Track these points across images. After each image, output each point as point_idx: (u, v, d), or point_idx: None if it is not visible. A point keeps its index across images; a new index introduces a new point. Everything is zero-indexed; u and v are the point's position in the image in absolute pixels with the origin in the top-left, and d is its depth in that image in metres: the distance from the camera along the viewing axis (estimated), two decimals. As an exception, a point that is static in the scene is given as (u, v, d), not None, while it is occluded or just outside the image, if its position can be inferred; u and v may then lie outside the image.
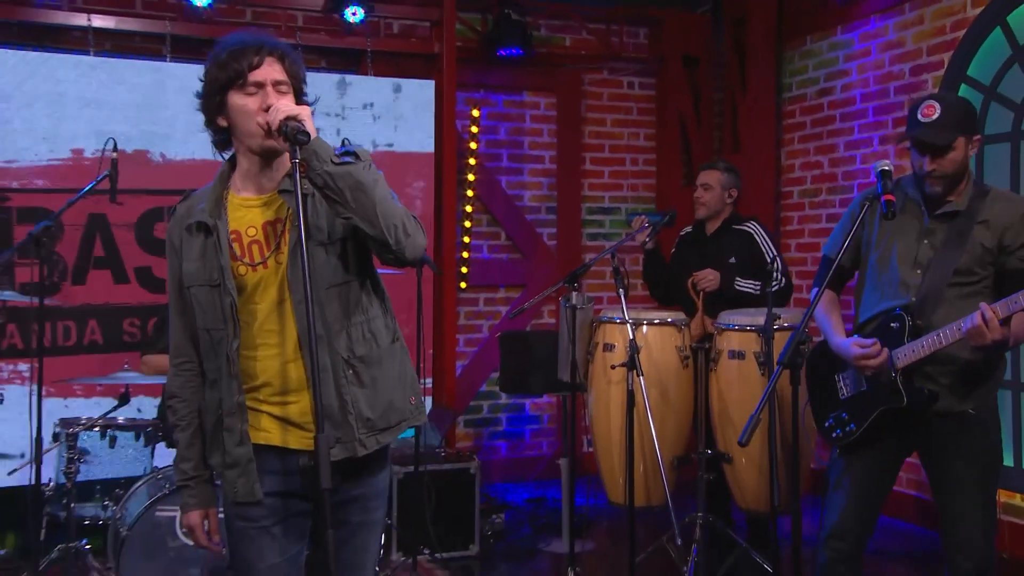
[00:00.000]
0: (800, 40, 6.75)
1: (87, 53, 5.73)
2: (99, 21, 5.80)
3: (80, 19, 5.78)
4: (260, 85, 2.28)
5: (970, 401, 3.02)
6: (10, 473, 4.44)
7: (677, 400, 4.69)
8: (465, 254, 6.67)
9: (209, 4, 5.70)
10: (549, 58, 6.97)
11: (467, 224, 6.70)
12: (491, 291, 6.81)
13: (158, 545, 3.92)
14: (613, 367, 4.48)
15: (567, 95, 7.05)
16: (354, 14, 5.88)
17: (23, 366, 5.50)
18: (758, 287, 4.61)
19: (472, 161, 6.68)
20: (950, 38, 5.53)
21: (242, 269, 2.36)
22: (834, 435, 3.19)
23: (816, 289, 3.19)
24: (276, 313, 2.38)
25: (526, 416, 7.02)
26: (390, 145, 6.16)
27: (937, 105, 2.97)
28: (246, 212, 2.40)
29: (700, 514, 4.42)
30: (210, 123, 2.37)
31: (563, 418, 5.61)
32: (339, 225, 2.34)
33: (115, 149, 4.47)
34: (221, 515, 2.53)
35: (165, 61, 5.86)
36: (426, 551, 4.88)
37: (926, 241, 3.04)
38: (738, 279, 4.64)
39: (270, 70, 2.30)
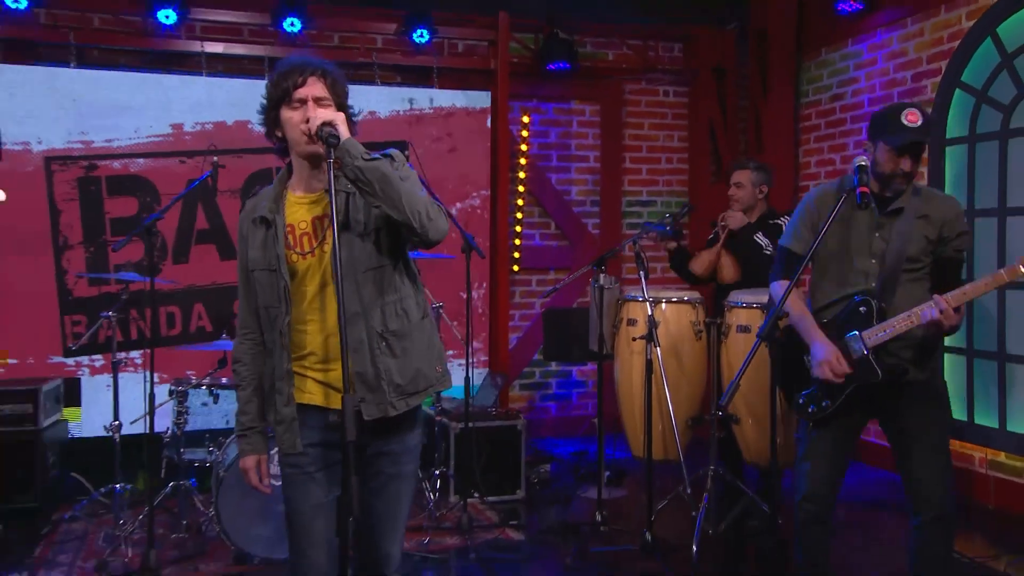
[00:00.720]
0: (816, 52, 6.60)
1: (200, 74, 5.88)
2: (211, 48, 5.94)
3: (195, 46, 5.94)
4: (303, 101, 2.34)
5: (926, 371, 3.01)
6: (132, 422, 4.58)
7: (691, 368, 4.68)
8: (517, 241, 6.67)
9: (300, 31, 5.78)
10: (594, 71, 6.91)
11: (519, 215, 6.70)
12: (543, 273, 6.80)
13: (246, 487, 4.03)
14: (634, 339, 4.48)
15: (609, 103, 6.99)
16: (420, 36, 5.95)
17: (134, 353, 5.63)
18: (771, 248, 4.42)
19: (523, 161, 6.67)
20: (947, 48, 5.38)
21: (294, 257, 2.42)
22: (809, 410, 3.10)
23: (782, 281, 3.14)
24: (321, 294, 2.43)
25: (573, 381, 7.00)
26: (452, 150, 6.18)
27: (919, 113, 2.89)
28: (299, 209, 2.46)
29: (712, 467, 4.38)
30: (269, 135, 2.45)
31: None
32: (374, 217, 2.37)
33: (216, 155, 4.63)
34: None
35: (262, 79, 5.96)
36: (476, 495, 4.93)
37: (877, 234, 3.00)
38: (758, 233, 4.48)
39: (312, 88, 2.35)
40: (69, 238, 5.57)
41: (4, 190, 5.43)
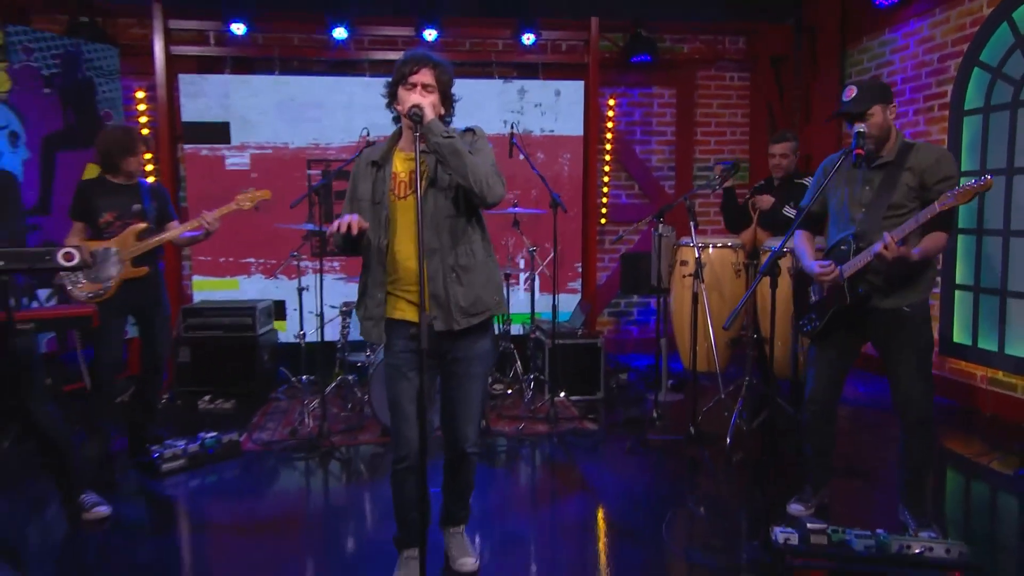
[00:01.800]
0: (858, 40, 6.26)
1: (364, 76, 6.14)
2: (376, 55, 6.19)
3: (362, 55, 6.20)
4: (414, 85, 2.45)
5: (905, 300, 2.94)
6: (312, 331, 4.96)
7: (731, 300, 4.69)
8: (604, 200, 6.71)
9: (437, 39, 5.96)
10: (672, 61, 6.79)
11: (606, 179, 6.71)
12: (627, 225, 6.79)
13: None
14: (684, 276, 4.53)
15: (684, 87, 6.87)
16: (528, 38, 6.01)
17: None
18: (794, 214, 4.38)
19: (609, 135, 6.66)
20: (969, 32, 5.02)
21: (392, 197, 2.53)
22: (806, 330, 3.17)
23: (800, 231, 3.18)
24: (409, 231, 2.50)
25: (650, 309, 7.00)
26: (552, 131, 6.25)
27: (854, 88, 2.88)
28: (401, 162, 2.56)
29: (747, 378, 4.42)
30: (389, 106, 2.56)
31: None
32: (454, 179, 2.46)
33: (369, 134, 4.92)
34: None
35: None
36: (562, 394, 5.03)
37: (867, 187, 2.96)
38: (786, 207, 4.40)
39: (422, 76, 2.46)
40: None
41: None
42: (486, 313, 2.60)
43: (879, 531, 2.81)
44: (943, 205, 2.68)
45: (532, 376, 5.13)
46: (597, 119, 6.37)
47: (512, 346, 5.23)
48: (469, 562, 2.78)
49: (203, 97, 5.78)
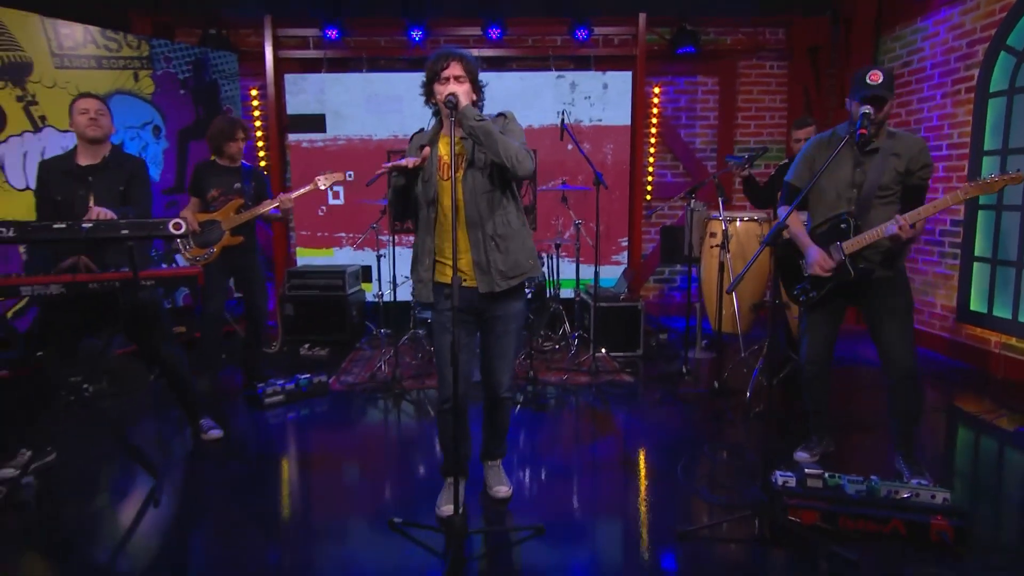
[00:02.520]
0: (892, 29, 5.80)
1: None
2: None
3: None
4: (447, 78, 2.42)
5: (891, 270, 2.83)
6: (388, 292, 5.12)
7: (755, 269, 4.49)
8: (650, 179, 6.52)
9: (499, 37, 5.89)
10: (715, 52, 6.48)
11: (651, 160, 6.52)
12: (671, 201, 6.68)
13: None
14: (712, 247, 4.39)
15: (726, 75, 6.55)
16: (581, 34, 5.86)
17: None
18: None
19: (654, 120, 6.45)
20: (998, 18, 4.58)
21: (438, 177, 2.52)
22: (801, 299, 3.02)
23: (784, 207, 3.03)
24: (453, 206, 2.45)
25: (694, 277, 6.84)
26: (599, 120, 6.09)
27: (880, 73, 2.68)
28: (444, 146, 2.54)
29: (768, 339, 4.27)
30: (427, 101, 2.52)
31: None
32: (489, 159, 2.43)
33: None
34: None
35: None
36: (603, 350, 5.02)
37: (858, 169, 2.81)
38: None
39: (453, 69, 2.42)
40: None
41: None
42: (523, 276, 2.58)
43: (873, 477, 2.69)
44: (966, 196, 2.59)
45: (577, 334, 5.10)
46: (644, 106, 6.17)
47: (561, 308, 5.20)
48: (502, 490, 2.82)
49: (303, 94, 5.92)
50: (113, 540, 2.54)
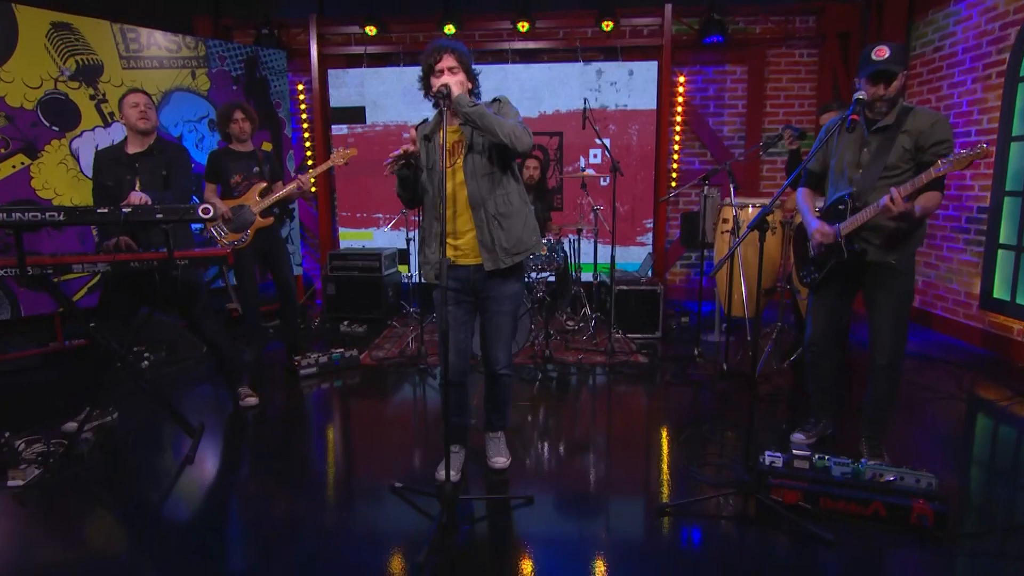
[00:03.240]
0: (925, 13, 5.44)
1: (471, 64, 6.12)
2: (484, 46, 6.13)
3: (470, 46, 6.14)
4: (441, 71, 2.42)
5: (894, 255, 2.64)
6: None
7: (766, 255, 4.33)
8: (675, 165, 6.34)
9: (529, 29, 5.82)
10: (744, 41, 6.24)
11: (676, 147, 6.33)
12: (699, 189, 6.44)
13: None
14: (722, 233, 4.26)
15: (755, 63, 6.30)
16: (607, 25, 5.73)
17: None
18: None
19: (679, 109, 6.26)
20: (1033, -1, 4.25)
21: (443, 164, 2.48)
22: (806, 281, 2.89)
23: (802, 189, 2.91)
24: (457, 190, 2.50)
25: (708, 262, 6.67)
26: (625, 105, 5.96)
27: (887, 48, 2.49)
28: (448, 134, 2.51)
29: (778, 323, 4.15)
30: (426, 94, 2.48)
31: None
32: (487, 142, 2.43)
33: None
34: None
35: (507, 64, 6.11)
36: (619, 332, 4.94)
37: (865, 149, 2.62)
38: None
39: (446, 61, 2.41)
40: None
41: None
42: (526, 252, 2.58)
43: (863, 460, 2.59)
44: (939, 171, 2.36)
45: (595, 316, 5.05)
46: (669, 94, 6.01)
47: (582, 290, 5.16)
48: (500, 461, 2.84)
49: (344, 87, 6.01)
50: (149, 489, 2.70)
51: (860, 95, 2.55)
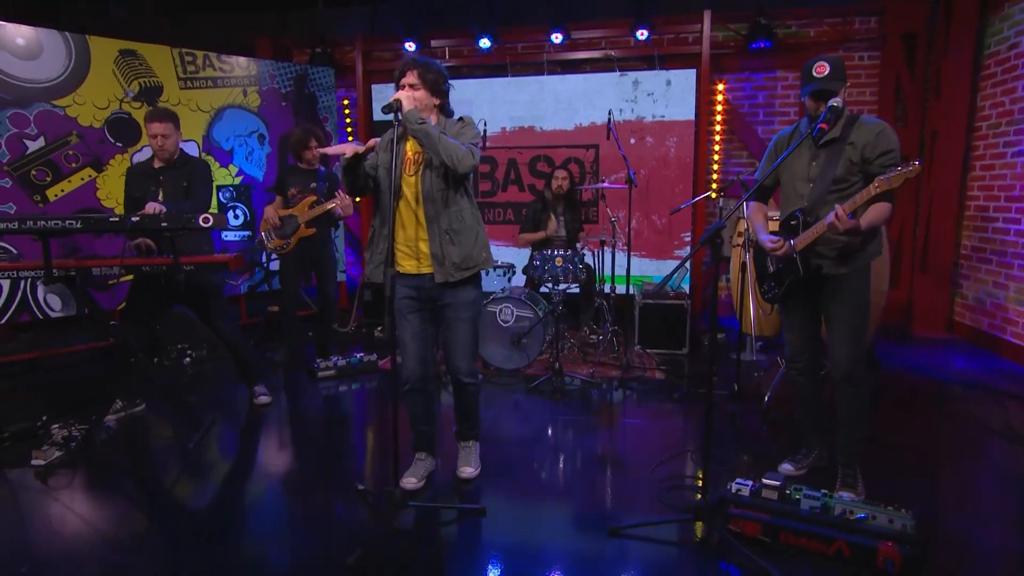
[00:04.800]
0: (1000, 8, 4.96)
1: (506, 76, 6.21)
2: (521, 59, 6.20)
3: (505, 59, 6.24)
4: (403, 86, 2.50)
5: (847, 267, 2.52)
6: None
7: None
8: (715, 176, 6.06)
9: (562, 41, 5.81)
10: (797, 45, 5.92)
11: (716, 156, 6.04)
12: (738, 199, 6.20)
13: (489, 323, 4.42)
14: (735, 247, 4.06)
15: (809, 69, 5.98)
16: (641, 34, 5.62)
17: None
18: None
19: (718, 118, 6.01)
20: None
21: (403, 171, 2.56)
22: (767, 296, 2.75)
23: (750, 203, 2.82)
24: (410, 204, 2.55)
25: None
26: (662, 116, 5.81)
27: (826, 64, 2.44)
28: (412, 144, 2.57)
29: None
30: (383, 107, 2.45)
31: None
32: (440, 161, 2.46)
33: (485, 129, 4.95)
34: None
35: (543, 76, 6.13)
36: (640, 347, 4.82)
37: (814, 163, 2.53)
38: None
39: (408, 77, 2.49)
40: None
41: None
42: (476, 267, 2.61)
43: (843, 495, 2.41)
44: (877, 189, 2.29)
45: (612, 329, 4.94)
46: (707, 102, 5.81)
47: (604, 303, 5.07)
48: (467, 471, 2.86)
49: (384, 101, 6.25)
50: (145, 472, 2.94)
51: (835, 103, 2.46)
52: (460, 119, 2.59)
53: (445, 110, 2.63)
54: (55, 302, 4.74)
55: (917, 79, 5.63)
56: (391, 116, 2.41)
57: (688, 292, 5.55)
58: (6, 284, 4.54)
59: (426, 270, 2.60)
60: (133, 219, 3.00)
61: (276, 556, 2.28)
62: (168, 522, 2.55)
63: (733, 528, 2.34)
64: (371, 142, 2.61)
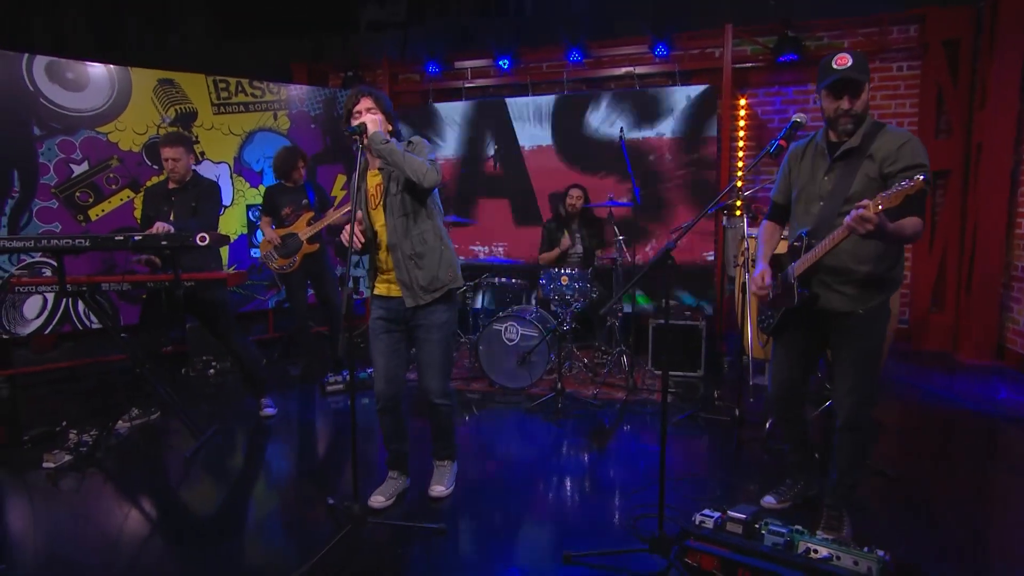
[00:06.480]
0: (1048, 11, 4.66)
1: (526, 96, 6.25)
2: (537, 79, 6.24)
3: (526, 79, 6.30)
4: (359, 112, 2.55)
5: (860, 304, 2.28)
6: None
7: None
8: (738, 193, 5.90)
9: (580, 60, 5.81)
10: (830, 57, 5.74)
11: (740, 174, 5.85)
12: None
13: (495, 341, 4.44)
14: (736, 267, 3.92)
15: (843, 81, 5.75)
16: (660, 51, 5.56)
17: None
18: None
19: (741, 133, 5.82)
20: None
21: (369, 207, 2.65)
22: (763, 326, 2.60)
23: (764, 222, 2.66)
24: (380, 232, 2.63)
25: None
26: (682, 133, 5.67)
27: (848, 56, 2.21)
28: (372, 178, 2.67)
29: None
30: (349, 138, 2.47)
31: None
32: (402, 183, 2.53)
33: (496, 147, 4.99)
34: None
35: (563, 94, 6.13)
36: (647, 367, 4.72)
37: (826, 178, 2.32)
38: None
39: (363, 103, 2.55)
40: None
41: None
42: (444, 288, 2.64)
43: (819, 535, 2.27)
44: (876, 208, 1.96)
45: (619, 348, 4.83)
46: (728, 116, 5.67)
47: (615, 322, 4.99)
48: (438, 489, 2.87)
49: (410, 122, 6.42)
50: (143, 477, 3.09)
51: (798, 118, 2.34)
52: (409, 141, 2.62)
53: (399, 136, 2.68)
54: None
55: (960, 88, 5.32)
56: (352, 138, 2.47)
57: (708, 313, 5.39)
58: (50, 297, 4.90)
59: (396, 294, 2.65)
60: (136, 238, 3.20)
61: (225, 565, 2.35)
62: (136, 526, 2.67)
63: (690, 561, 2.25)
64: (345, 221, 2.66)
